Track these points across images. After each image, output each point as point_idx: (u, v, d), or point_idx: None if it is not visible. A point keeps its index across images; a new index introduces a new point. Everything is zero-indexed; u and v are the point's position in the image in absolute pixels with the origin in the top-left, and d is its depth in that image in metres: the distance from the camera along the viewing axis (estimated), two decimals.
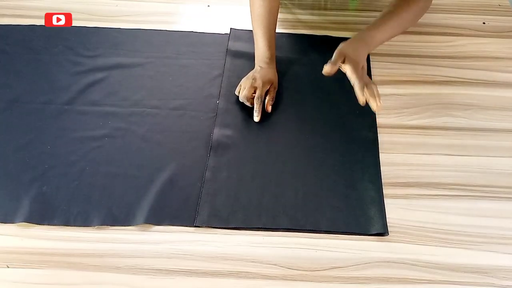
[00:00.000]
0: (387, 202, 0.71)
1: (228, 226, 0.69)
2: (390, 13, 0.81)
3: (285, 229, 0.69)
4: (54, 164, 0.75)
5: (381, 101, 0.72)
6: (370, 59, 0.92)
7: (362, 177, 0.74)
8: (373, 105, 0.71)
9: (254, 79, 0.83)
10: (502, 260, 0.66)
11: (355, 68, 0.72)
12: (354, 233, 0.68)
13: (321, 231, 0.69)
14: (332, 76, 0.72)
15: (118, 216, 0.69)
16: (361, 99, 0.71)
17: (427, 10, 0.85)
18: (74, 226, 0.68)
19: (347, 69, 0.72)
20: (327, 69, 0.72)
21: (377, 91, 0.73)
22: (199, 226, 0.69)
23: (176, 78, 0.89)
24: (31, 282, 0.63)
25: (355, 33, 0.79)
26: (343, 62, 0.72)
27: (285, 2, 1.06)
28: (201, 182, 0.73)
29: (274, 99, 0.84)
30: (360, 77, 0.71)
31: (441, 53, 0.95)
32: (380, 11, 0.82)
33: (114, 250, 0.66)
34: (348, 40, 0.77)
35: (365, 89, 0.71)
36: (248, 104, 0.82)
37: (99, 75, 0.88)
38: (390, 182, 0.74)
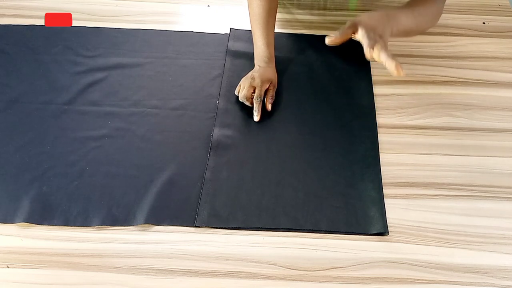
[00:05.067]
0: (387, 202, 0.71)
1: (228, 226, 0.69)
2: (415, 1, 0.77)
3: (285, 229, 0.69)
4: (54, 164, 0.75)
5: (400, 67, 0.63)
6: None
7: (362, 177, 0.74)
8: (391, 67, 0.63)
9: (253, 78, 0.83)
10: (502, 260, 0.66)
11: (367, 32, 0.67)
12: (354, 233, 0.68)
13: (321, 231, 0.69)
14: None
15: (118, 216, 0.69)
16: (368, 55, 0.65)
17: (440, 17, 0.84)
18: (74, 226, 0.68)
19: (359, 34, 0.67)
20: (329, 39, 0.69)
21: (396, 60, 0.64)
22: (199, 226, 0.69)
23: (176, 78, 0.89)
24: (31, 282, 0.63)
25: None
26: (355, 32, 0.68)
27: (284, 2, 1.06)
28: (201, 182, 0.73)
29: (273, 98, 0.83)
30: (370, 38, 0.66)
31: (441, 53, 0.95)
32: None
33: (114, 250, 0.66)
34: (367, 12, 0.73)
35: (382, 51, 0.64)
36: (247, 103, 0.82)
37: (99, 75, 0.88)
38: (390, 182, 0.74)
